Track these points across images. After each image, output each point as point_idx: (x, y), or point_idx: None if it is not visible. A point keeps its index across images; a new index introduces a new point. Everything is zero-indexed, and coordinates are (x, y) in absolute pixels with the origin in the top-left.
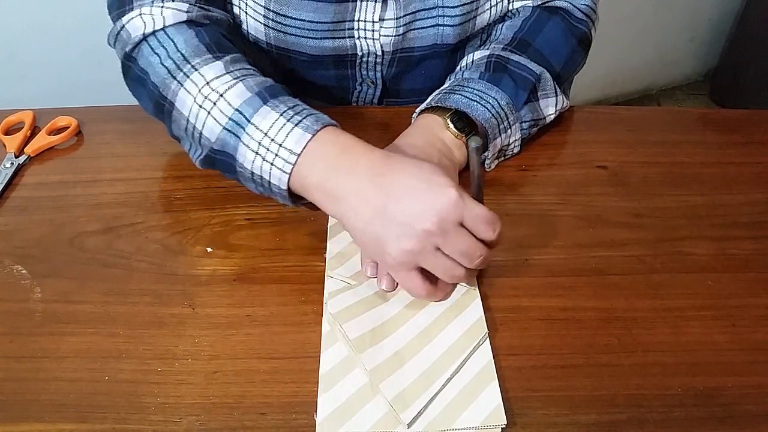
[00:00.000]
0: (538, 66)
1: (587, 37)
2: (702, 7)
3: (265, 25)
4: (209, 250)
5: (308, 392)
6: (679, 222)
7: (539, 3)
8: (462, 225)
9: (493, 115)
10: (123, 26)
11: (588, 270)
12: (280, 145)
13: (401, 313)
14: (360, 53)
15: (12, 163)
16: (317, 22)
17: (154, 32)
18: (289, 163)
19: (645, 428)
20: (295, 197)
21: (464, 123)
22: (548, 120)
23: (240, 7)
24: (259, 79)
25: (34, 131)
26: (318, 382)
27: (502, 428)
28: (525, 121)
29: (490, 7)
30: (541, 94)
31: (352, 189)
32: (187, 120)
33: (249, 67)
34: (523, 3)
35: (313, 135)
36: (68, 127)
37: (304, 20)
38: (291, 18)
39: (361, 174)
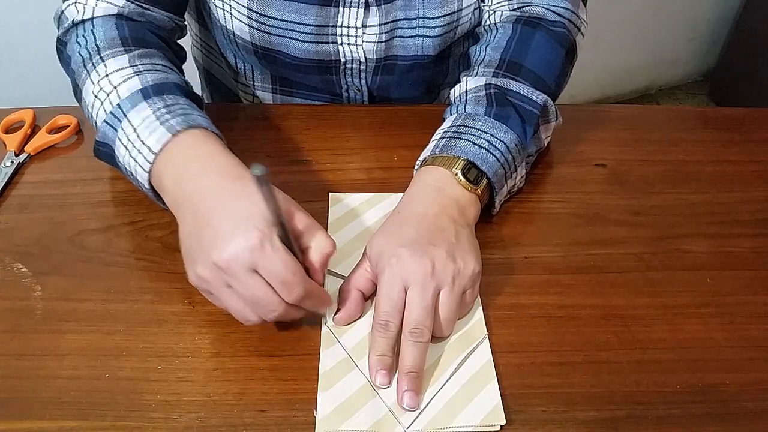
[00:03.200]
0: (540, 94)
1: (573, 44)
2: (701, 8)
3: (249, 26)
4: None
5: (308, 389)
6: (677, 220)
7: (516, 15)
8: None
9: (501, 164)
10: (62, 11)
11: (587, 267)
12: (143, 142)
13: None
14: (343, 59)
15: (12, 162)
16: (300, 24)
17: (83, 21)
18: (148, 161)
19: (643, 425)
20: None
21: (477, 173)
22: (546, 144)
23: (224, 9)
24: (160, 75)
25: (34, 130)
26: (317, 380)
27: (501, 425)
28: (531, 155)
29: (470, 17)
30: (542, 120)
31: (187, 200)
32: (88, 109)
33: (159, 62)
34: (497, 9)
35: (174, 135)
36: (68, 126)
37: (286, 21)
38: (274, 18)
39: (198, 188)
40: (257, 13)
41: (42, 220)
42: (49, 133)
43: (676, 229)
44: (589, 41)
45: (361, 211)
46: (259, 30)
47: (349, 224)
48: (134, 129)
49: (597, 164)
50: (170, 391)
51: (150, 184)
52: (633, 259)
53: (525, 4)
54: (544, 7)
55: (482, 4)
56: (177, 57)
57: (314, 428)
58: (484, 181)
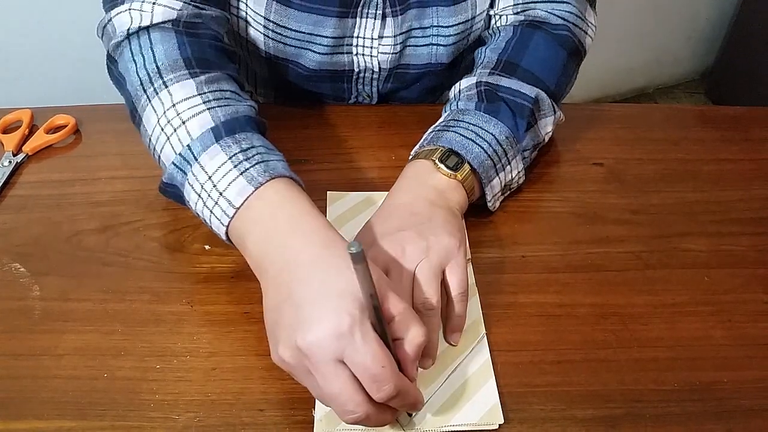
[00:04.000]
0: (532, 88)
1: (576, 47)
2: (699, 7)
3: (264, 35)
4: (207, 247)
5: (306, 389)
6: (675, 218)
7: (520, 18)
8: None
9: (489, 155)
10: (110, 19)
11: (584, 266)
12: (221, 193)
13: None
14: (357, 69)
15: (10, 162)
16: (317, 35)
17: (138, 32)
18: (227, 215)
19: (641, 423)
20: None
21: (457, 159)
22: (546, 139)
23: (239, 17)
24: (230, 109)
25: (32, 130)
26: None
27: (499, 424)
28: (526, 149)
29: (482, 24)
30: (539, 115)
31: (272, 268)
32: (149, 139)
33: (226, 89)
34: (502, 14)
35: (256, 189)
36: (66, 126)
37: (303, 32)
38: (291, 30)
39: (284, 256)
40: (274, 23)
41: (40, 220)
42: (47, 133)
43: (674, 228)
44: None
45: (359, 209)
46: (275, 40)
47: (347, 223)
48: (209, 177)
49: (595, 163)
50: (169, 391)
51: (227, 235)
52: (631, 257)
53: (528, 8)
54: (547, 11)
55: (490, 10)
56: (232, 61)
57: (313, 427)
58: (466, 168)
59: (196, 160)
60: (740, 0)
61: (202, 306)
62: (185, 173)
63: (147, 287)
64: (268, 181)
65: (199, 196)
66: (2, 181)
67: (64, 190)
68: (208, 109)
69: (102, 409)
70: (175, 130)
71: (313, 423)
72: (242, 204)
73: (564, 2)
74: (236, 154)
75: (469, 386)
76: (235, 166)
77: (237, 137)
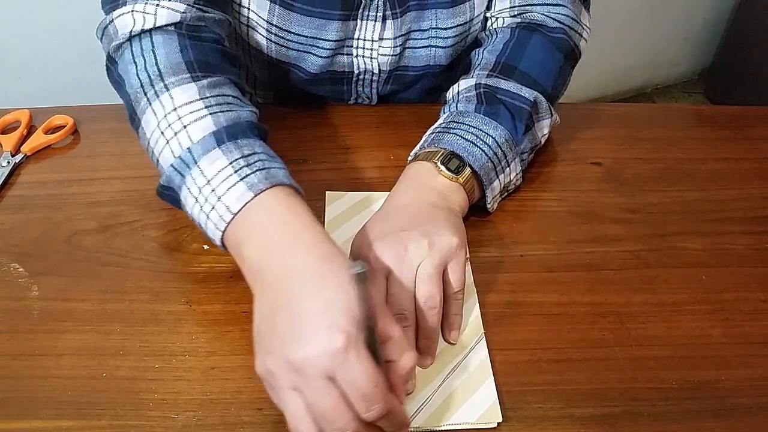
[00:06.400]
0: (530, 91)
1: (572, 49)
2: (696, 7)
3: (267, 39)
4: (206, 247)
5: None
6: (672, 217)
7: (517, 21)
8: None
9: (489, 158)
10: (112, 20)
11: (582, 265)
12: (219, 198)
13: None
14: (357, 71)
15: (8, 162)
16: (319, 39)
17: (140, 34)
18: (224, 220)
19: (639, 421)
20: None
21: (459, 162)
22: (543, 141)
23: (240, 21)
24: (232, 114)
25: (31, 130)
26: None
27: (497, 423)
28: (525, 152)
29: (480, 26)
30: (537, 117)
31: (269, 276)
32: (148, 142)
33: (228, 93)
34: (499, 16)
35: (256, 195)
36: (64, 126)
37: (306, 36)
38: (293, 33)
39: (283, 266)
40: (277, 27)
41: (39, 220)
42: (46, 134)
43: (671, 227)
44: None
45: (357, 209)
46: (278, 44)
47: (345, 223)
48: (207, 181)
49: (593, 162)
50: (168, 390)
51: (221, 242)
52: (629, 256)
53: (525, 11)
54: (543, 14)
55: (487, 12)
56: (234, 65)
57: None
58: (467, 171)
59: (196, 163)
60: (737, 0)
61: (200, 305)
62: (183, 176)
63: (145, 287)
64: (268, 188)
65: (196, 200)
66: (1, 182)
67: (63, 191)
68: (211, 114)
69: (101, 409)
70: (175, 134)
71: None
72: (240, 209)
73: (560, 5)
74: (237, 159)
75: (467, 385)
76: (236, 171)
77: (239, 143)
